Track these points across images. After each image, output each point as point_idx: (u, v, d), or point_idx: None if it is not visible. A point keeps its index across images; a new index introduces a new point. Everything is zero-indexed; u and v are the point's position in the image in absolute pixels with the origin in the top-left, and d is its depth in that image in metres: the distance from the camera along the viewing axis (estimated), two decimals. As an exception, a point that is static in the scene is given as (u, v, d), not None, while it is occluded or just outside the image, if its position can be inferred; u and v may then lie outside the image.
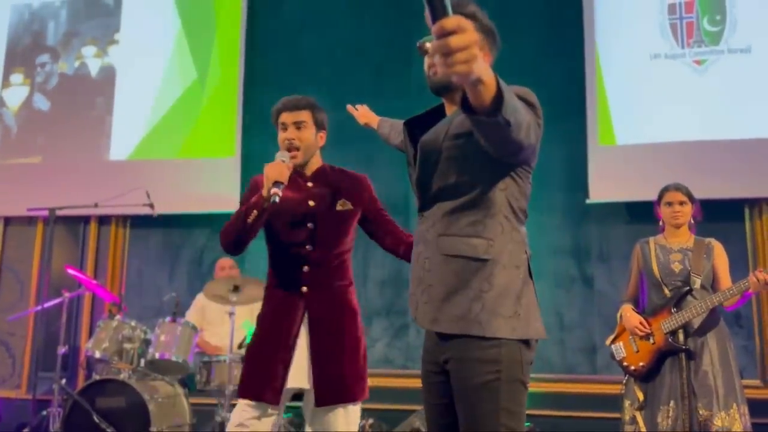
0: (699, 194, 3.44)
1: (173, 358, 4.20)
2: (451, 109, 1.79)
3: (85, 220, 5.91)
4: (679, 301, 3.22)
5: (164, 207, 5.03)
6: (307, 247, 2.42)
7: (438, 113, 1.85)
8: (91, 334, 5.26)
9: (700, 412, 3.08)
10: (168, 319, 4.31)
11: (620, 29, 5.12)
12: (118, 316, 4.41)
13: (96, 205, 4.73)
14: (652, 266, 3.33)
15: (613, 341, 3.42)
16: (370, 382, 2.50)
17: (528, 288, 1.71)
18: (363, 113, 2.78)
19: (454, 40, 1.10)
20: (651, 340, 3.25)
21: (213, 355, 4.30)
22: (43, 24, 6.27)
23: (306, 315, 2.40)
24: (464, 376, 1.66)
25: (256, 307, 4.71)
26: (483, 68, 1.22)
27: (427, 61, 1.78)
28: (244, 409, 2.35)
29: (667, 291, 3.27)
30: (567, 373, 4.92)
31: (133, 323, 4.37)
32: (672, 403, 3.12)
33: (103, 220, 5.91)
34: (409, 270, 1.85)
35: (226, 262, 4.90)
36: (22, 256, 6.02)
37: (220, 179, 5.59)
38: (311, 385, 2.37)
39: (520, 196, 1.73)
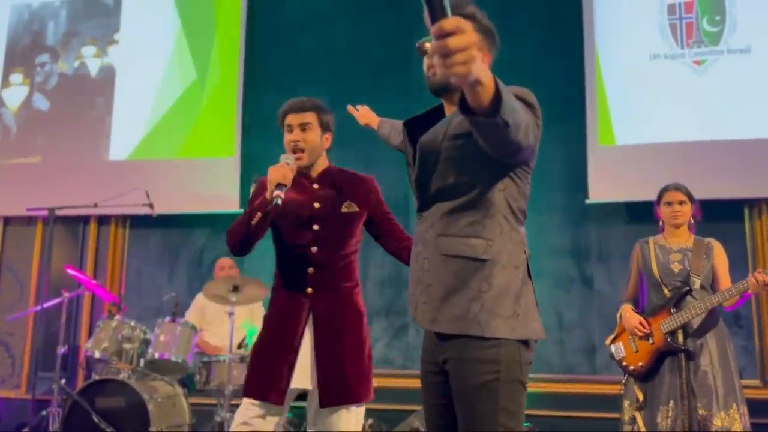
0: (698, 194, 3.44)
1: (173, 358, 4.20)
2: (450, 110, 1.79)
3: (85, 220, 5.91)
4: (678, 301, 3.22)
5: (164, 207, 5.03)
6: (313, 248, 2.42)
7: (437, 114, 1.85)
8: (90, 334, 5.26)
9: (700, 412, 3.08)
10: (167, 319, 4.31)
11: (620, 29, 5.12)
12: (117, 316, 4.41)
13: (95, 205, 4.73)
14: (651, 266, 3.33)
15: (613, 341, 3.42)
16: (370, 382, 2.50)
17: (527, 288, 1.71)
18: (363, 113, 2.78)
19: (453, 42, 1.10)
20: (650, 341, 3.25)
21: (212, 355, 4.30)
22: (43, 24, 6.27)
23: (311, 316, 2.41)
24: (463, 376, 1.66)
25: (256, 307, 4.78)
26: (481, 69, 1.22)
27: (426, 61, 1.78)
28: (248, 408, 2.36)
29: (666, 291, 3.27)
30: (566, 374, 4.92)
31: (132, 323, 4.37)
32: (671, 403, 3.12)
33: (103, 220, 5.91)
34: (408, 270, 1.85)
35: (225, 262, 4.90)
36: (22, 256, 6.02)
37: (220, 179, 5.59)
38: (315, 385, 2.37)
39: (519, 197, 1.73)
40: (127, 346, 4.27)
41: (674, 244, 3.34)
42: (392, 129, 2.55)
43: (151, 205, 4.76)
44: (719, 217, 4.38)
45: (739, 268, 4.04)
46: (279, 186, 2.22)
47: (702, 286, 3.24)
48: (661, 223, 3.43)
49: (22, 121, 6.16)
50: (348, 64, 5.58)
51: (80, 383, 5.08)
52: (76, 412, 4.03)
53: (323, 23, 5.74)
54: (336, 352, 2.38)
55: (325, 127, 2.51)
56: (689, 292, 3.22)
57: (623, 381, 3.37)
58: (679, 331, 3.18)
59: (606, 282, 4.96)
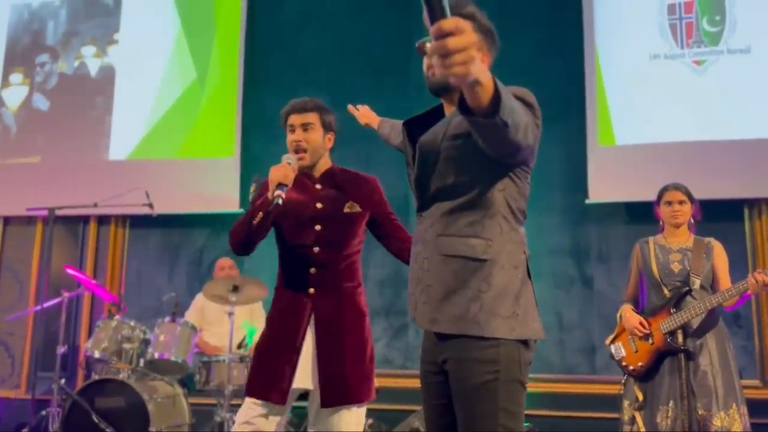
0: (698, 194, 3.44)
1: (172, 358, 4.19)
2: (450, 110, 1.79)
3: (85, 219, 5.91)
4: (678, 301, 3.22)
5: (163, 207, 5.03)
6: (315, 248, 2.42)
7: (437, 113, 1.85)
8: (90, 334, 5.26)
9: (699, 412, 3.08)
10: (167, 319, 4.31)
11: (620, 29, 5.12)
12: (117, 316, 4.41)
13: (95, 205, 4.73)
14: (651, 266, 3.33)
15: (613, 341, 3.42)
16: (370, 382, 2.49)
17: (526, 288, 1.71)
18: (364, 113, 2.79)
19: (452, 42, 1.10)
20: (650, 341, 3.25)
21: (212, 355, 4.30)
22: (43, 24, 6.27)
23: (312, 316, 2.41)
24: (463, 377, 1.66)
25: (256, 308, 4.78)
26: (480, 70, 1.22)
27: (425, 61, 1.78)
28: (250, 407, 2.36)
29: (666, 291, 3.27)
30: (566, 374, 4.92)
31: (132, 323, 4.37)
32: (671, 404, 3.12)
33: (103, 220, 5.91)
34: (408, 270, 1.85)
35: (225, 262, 4.90)
36: (22, 256, 6.02)
37: (220, 179, 5.59)
38: (316, 385, 2.38)
39: (518, 197, 1.73)
40: (126, 346, 4.27)
41: (674, 244, 3.34)
42: (392, 129, 2.55)
43: (150, 205, 4.76)
44: (719, 217, 4.38)
45: (738, 268, 4.04)
46: (280, 186, 2.23)
47: (702, 286, 3.24)
48: (661, 223, 3.43)
49: (22, 120, 6.16)
50: (348, 64, 5.58)
51: (80, 383, 5.08)
52: (76, 412, 4.03)
53: (323, 23, 5.74)
54: (336, 353, 2.38)
55: (327, 127, 2.51)
56: (689, 292, 3.22)
57: (623, 381, 3.37)
58: (679, 331, 3.18)
59: (606, 282, 4.96)
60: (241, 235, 2.38)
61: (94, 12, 6.16)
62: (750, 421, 3.13)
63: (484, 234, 1.69)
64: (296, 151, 2.44)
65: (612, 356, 3.40)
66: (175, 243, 5.80)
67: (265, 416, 2.35)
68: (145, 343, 4.33)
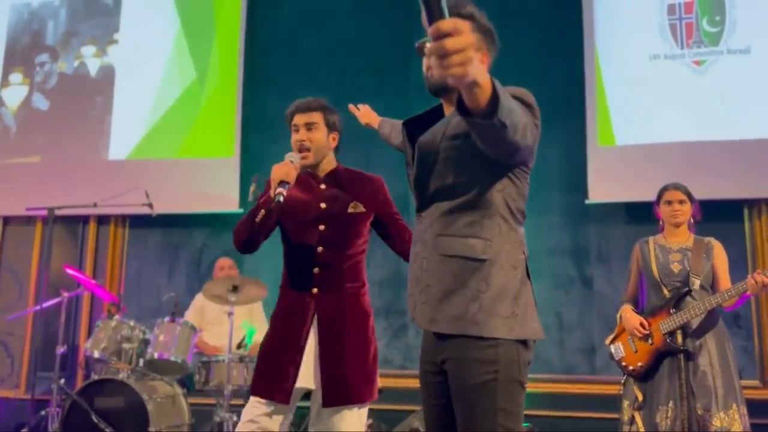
0: (698, 195, 3.43)
1: (172, 358, 4.19)
2: (449, 110, 1.79)
3: (84, 219, 5.91)
4: (678, 301, 3.22)
5: (163, 207, 5.03)
6: (319, 248, 2.43)
7: (437, 114, 1.85)
8: (89, 333, 5.26)
9: (699, 412, 3.08)
10: (167, 319, 4.31)
11: (620, 30, 5.12)
12: (116, 316, 4.41)
13: (95, 205, 4.73)
14: (651, 267, 3.33)
15: (612, 341, 3.42)
16: (370, 382, 2.49)
17: (526, 288, 1.71)
18: (364, 113, 2.79)
19: (450, 43, 1.10)
20: (649, 341, 3.24)
21: (212, 355, 4.30)
22: (43, 23, 6.27)
23: (315, 316, 2.41)
24: (462, 377, 1.66)
25: (256, 308, 4.78)
26: (479, 71, 1.22)
27: (425, 62, 1.78)
28: (255, 406, 2.37)
29: (666, 291, 3.27)
30: (566, 374, 4.92)
31: (131, 323, 4.37)
32: (671, 404, 3.12)
33: (102, 220, 5.91)
34: (407, 270, 1.85)
35: (225, 262, 4.90)
36: (21, 256, 6.02)
37: (220, 179, 5.59)
38: (318, 385, 2.38)
39: (517, 197, 1.73)
40: (126, 346, 4.26)
41: (674, 244, 3.34)
42: (393, 128, 2.55)
43: (150, 205, 4.75)
44: (719, 217, 4.37)
45: (738, 268, 4.04)
46: (282, 183, 2.24)
47: (702, 287, 3.23)
48: (661, 222, 3.43)
49: (22, 120, 6.16)
50: (348, 64, 5.58)
51: (79, 383, 5.07)
52: (76, 412, 4.03)
53: (323, 23, 5.73)
54: (338, 353, 2.38)
55: (331, 127, 2.52)
56: (689, 292, 3.22)
57: (622, 381, 3.37)
58: (679, 331, 3.18)
59: (606, 282, 4.95)
60: (245, 234, 2.40)
61: (93, 12, 6.16)
62: (750, 422, 3.13)
63: (483, 234, 1.69)
64: (300, 150, 2.45)
65: (612, 356, 3.40)
66: (174, 243, 5.80)
67: (269, 415, 2.36)
68: (145, 343, 4.33)
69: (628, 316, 3.33)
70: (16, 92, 6.21)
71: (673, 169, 4.53)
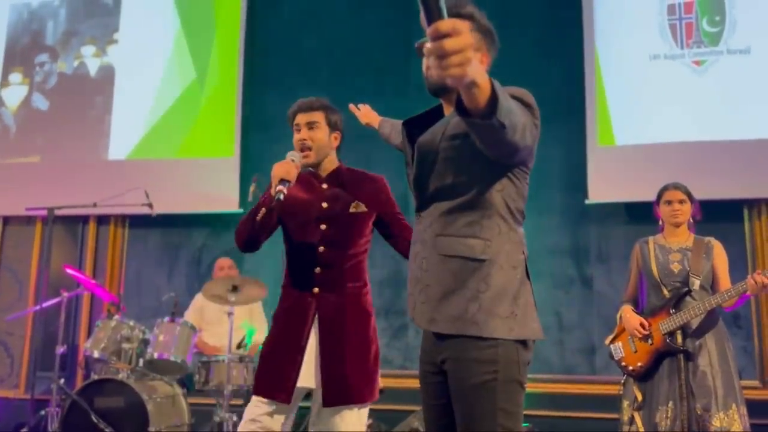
0: (698, 195, 3.43)
1: (172, 358, 4.19)
2: (449, 110, 1.79)
3: (84, 219, 5.91)
4: (677, 302, 3.22)
5: (163, 207, 5.02)
6: (320, 248, 2.43)
7: (436, 113, 1.85)
8: (89, 333, 5.25)
9: (699, 412, 3.08)
10: (167, 319, 4.31)
11: (620, 30, 5.12)
12: (116, 316, 4.41)
13: (95, 205, 4.73)
14: (651, 267, 3.32)
15: (612, 341, 3.42)
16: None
17: (525, 288, 1.71)
18: (365, 113, 2.79)
19: (449, 43, 1.09)
20: (649, 341, 3.24)
21: (211, 355, 4.30)
22: (42, 23, 6.27)
23: (316, 316, 2.41)
24: (461, 377, 1.66)
25: (255, 308, 4.77)
26: (477, 71, 1.22)
27: (424, 62, 1.78)
28: (257, 405, 2.38)
29: (666, 291, 3.27)
30: (566, 374, 4.92)
31: (131, 323, 4.36)
32: (670, 404, 3.12)
33: (102, 220, 5.91)
34: (407, 270, 1.85)
35: (224, 262, 4.90)
36: (21, 256, 6.02)
37: (219, 179, 5.59)
38: (319, 385, 2.38)
39: (517, 197, 1.73)
40: (126, 345, 4.26)
41: (674, 244, 3.34)
42: (393, 128, 2.55)
43: (150, 205, 4.75)
44: (719, 217, 4.37)
45: (738, 268, 4.04)
46: (282, 181, 2.24)
47: (701, 287, 3.23)
48: (660, 222, 3.42)
49: (22, 120, 6.16)
50: (348, 64, 5.58)
51: (79, 383, 5.07)
52: (75, 412, 4.03)
53: (323, 23, 5.73)
54: (338, 352, 2.38)
55: (333, 126, 2.52)
56: (688, 292, 3.21)
57: (622, 381, 3.36)
58: (678, 331, 3.18)
59: (605, 282, 4.95)
60: (246, 233, 2.41)
61: (93, 12, 6.16)
62: (750, 422, 3.13)
63: (483, 234, 1.68)
64: (301, 150, 2.45)
65: (611, 356, 3.40)
66: (174, 243, 5.80)
67: (271, 414, 2.36)
68: (145, 343, 4.33)
69: (628, 316, 3.33)
70: (15, 92, 6.21)
71: (673, 169, 4.53)
